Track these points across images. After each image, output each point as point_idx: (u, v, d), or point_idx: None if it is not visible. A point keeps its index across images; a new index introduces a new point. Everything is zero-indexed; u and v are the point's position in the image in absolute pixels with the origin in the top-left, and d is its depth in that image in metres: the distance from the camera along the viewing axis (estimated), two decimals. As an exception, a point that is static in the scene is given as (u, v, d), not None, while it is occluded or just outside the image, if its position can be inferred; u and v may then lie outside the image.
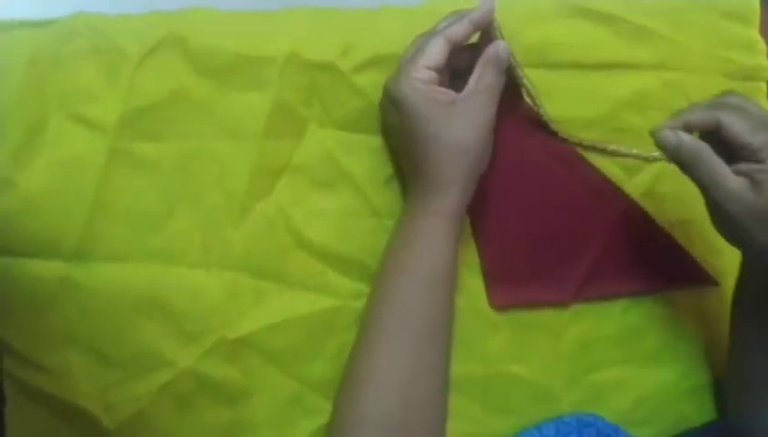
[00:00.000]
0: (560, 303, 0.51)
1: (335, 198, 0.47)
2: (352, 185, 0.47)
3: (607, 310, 0.53)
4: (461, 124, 0.42)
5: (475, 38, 0.46)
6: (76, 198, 0.40)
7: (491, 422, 0.50)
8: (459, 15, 0.44)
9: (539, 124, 0.49)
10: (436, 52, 0.42)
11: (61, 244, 0.40)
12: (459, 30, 0.43)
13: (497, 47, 0.44)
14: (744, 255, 0.46)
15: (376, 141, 0.48)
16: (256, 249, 0.44)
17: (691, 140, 0.41)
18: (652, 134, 0.43)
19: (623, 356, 0.53)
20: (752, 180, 0.40)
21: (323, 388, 0.45)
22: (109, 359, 0.41)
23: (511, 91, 0.47)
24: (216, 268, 0.43)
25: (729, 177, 0.40)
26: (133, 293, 0.42)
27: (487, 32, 0.45)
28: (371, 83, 0.47)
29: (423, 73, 0.41)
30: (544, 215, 0.51)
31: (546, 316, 0.51)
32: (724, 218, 0.42)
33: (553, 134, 0.50)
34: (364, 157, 0.47)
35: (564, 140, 0.50)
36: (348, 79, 0.46)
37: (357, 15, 0.47)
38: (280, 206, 0.45)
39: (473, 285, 0.50)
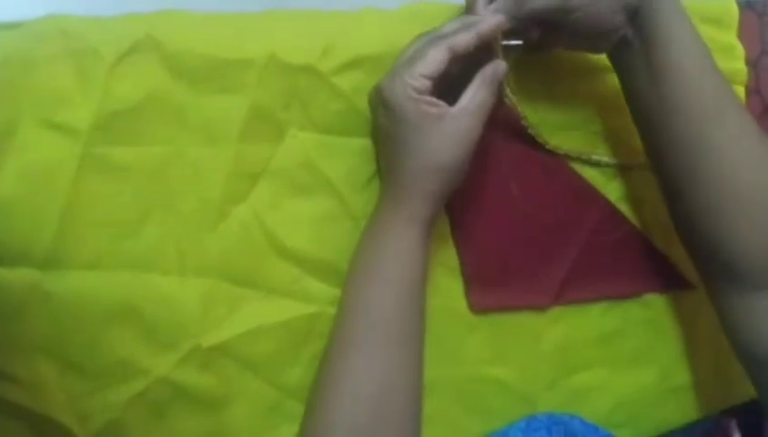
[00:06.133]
0: (540, 307, 0.52)
1: (312, 202, 0.46)
2: (330, 188, 0.47)
3: (586, 313, 0.53)
4: (446, 140, 0.41)
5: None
6: (47, 204, 0.40)
7: (469, 425, 0.50)
8: (465, 24, 0.42)
9: (524, 134, 0.49)
10: (436, 61, 0.40)
11: (31, 251, 0.39)
12: (463, 41, 0.41)
13: (496, 67, 0.43)
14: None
15: (355, 143, 0.47)
16: (232, 255, 0.44)
17: None
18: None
19: (602, 359, 0.54)
20: None
21: (302, 394, 0.45)
22: (82, 368, 0.41)
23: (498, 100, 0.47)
24: (191, 274, 0.43)
25: None
26: (106, 301, 0.41)
27: (487, 45, 0.44)
28: (351, 85, 0.46)
29: (419, 81, 0.40)
30: (524, 218, 0.51)
31: (525, 318, 0.51)
32: None
33: (541, 146, 0.50)
34: (343, 160, 0.47)
35: (551, 152, 0.50)
36: (329, 81, 0.46)
37: (336, 18, 0.47)
38: (257, 211, 0.45)
39: (451, 287, 0.50)
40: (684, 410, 0.57)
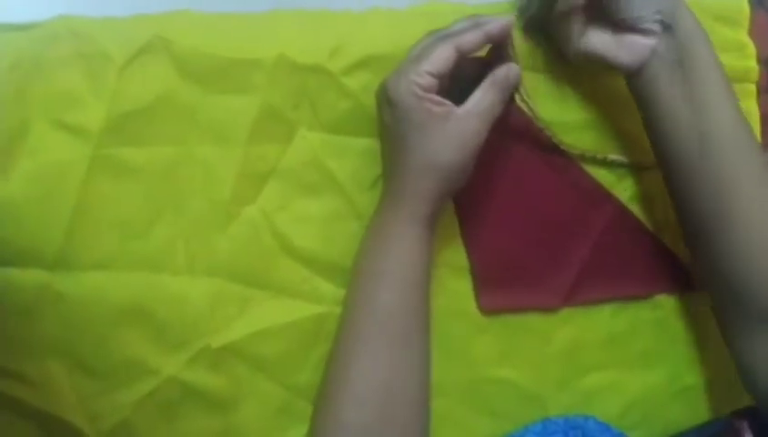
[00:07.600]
0: (550, 308, 0.51)
1: (321, 202, 0.46)
2: (338, 188, 0.46)
3: (595, 314, 0.53)
4: (449, 141, 0.41)
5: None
6: (58, 205, 0.40)
7: (479, 426, 0.50)
8: (475, 23, 0.42)
9: (538, 135, 0.49)
10: (442, 59, 0.40)
11: (42, 252, 0.40)
12: (471, 40, 0.41)
13: (508, 70, 0.43)
14: None
15: (364, 143, 0.47)
16: (241, 256, 0.44)
17: None
18: None
19: (612, 360, 0.53)
20: None
21: (312, 395, 0.44)
22: (92, 368, 0.41)
23: (510, 101, 0.46)
24: (200, 274, 0.43)
25: None
26: (116, 301, 0.41)
27: (499, 47, 0.43)
28: (360, 85, 0.46)
29: (424, 78, 0.40)
30: (535, 219, 0.51)
31: (534, 319, 0.51)
32: None
33: (554, 147, 0.50)
34: (351, 159, 0.47)
35: (564, 152, 0.50)
36: (338, 81, 0.46)
37: (344, 18, 0.47)
38: (266, 211, 0.45)
39: (459, 288, 0.49)
40: (695, 411, 0.56)
